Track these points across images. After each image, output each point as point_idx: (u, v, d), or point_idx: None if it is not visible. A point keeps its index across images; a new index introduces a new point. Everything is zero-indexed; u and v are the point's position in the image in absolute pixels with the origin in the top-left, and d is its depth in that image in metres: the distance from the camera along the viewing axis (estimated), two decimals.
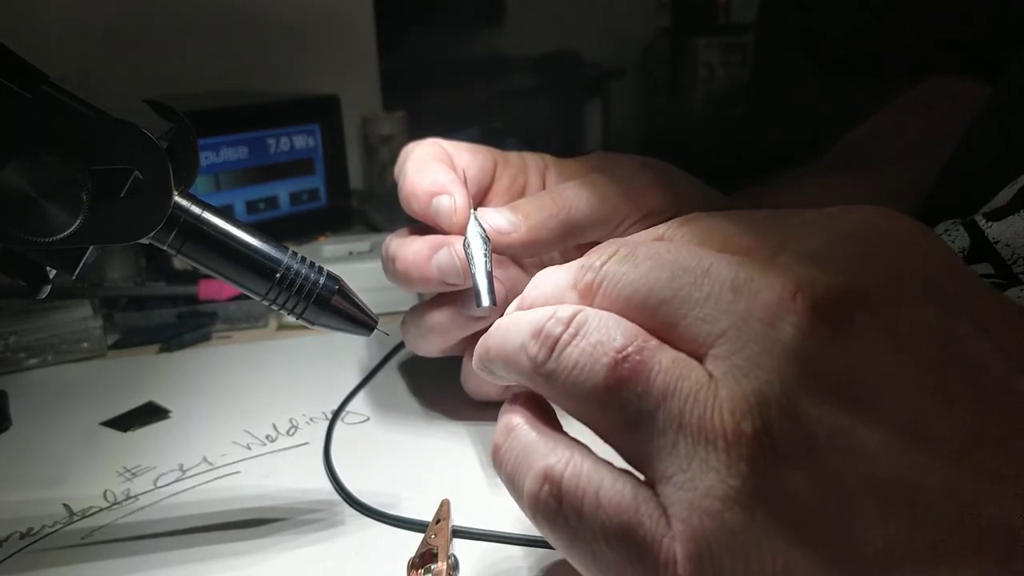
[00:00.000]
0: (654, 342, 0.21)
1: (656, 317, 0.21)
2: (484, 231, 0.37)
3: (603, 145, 2.41)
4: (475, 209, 0.41)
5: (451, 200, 0.38)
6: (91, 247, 0.31)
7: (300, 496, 0.37)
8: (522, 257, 0.41)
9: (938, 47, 0.54)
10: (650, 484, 0.20)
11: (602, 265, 0.23)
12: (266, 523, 0.35)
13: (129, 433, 0.44)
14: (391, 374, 0.49)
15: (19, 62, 0.28)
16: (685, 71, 2.54)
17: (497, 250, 0.37)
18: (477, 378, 0.41)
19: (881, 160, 0.49)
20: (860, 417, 0.18)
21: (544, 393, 0.23)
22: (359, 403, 0.46)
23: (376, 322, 0.36)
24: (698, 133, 2.36)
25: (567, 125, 2.48)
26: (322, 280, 0.34)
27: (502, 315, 0.26)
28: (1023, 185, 0.34)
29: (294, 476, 0.39)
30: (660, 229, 0.25)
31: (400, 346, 0.52)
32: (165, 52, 0.93)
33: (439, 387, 0.45)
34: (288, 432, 0.43)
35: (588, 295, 0.23)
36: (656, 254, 0.22)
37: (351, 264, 0.58)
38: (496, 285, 0.37)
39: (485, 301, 0.35)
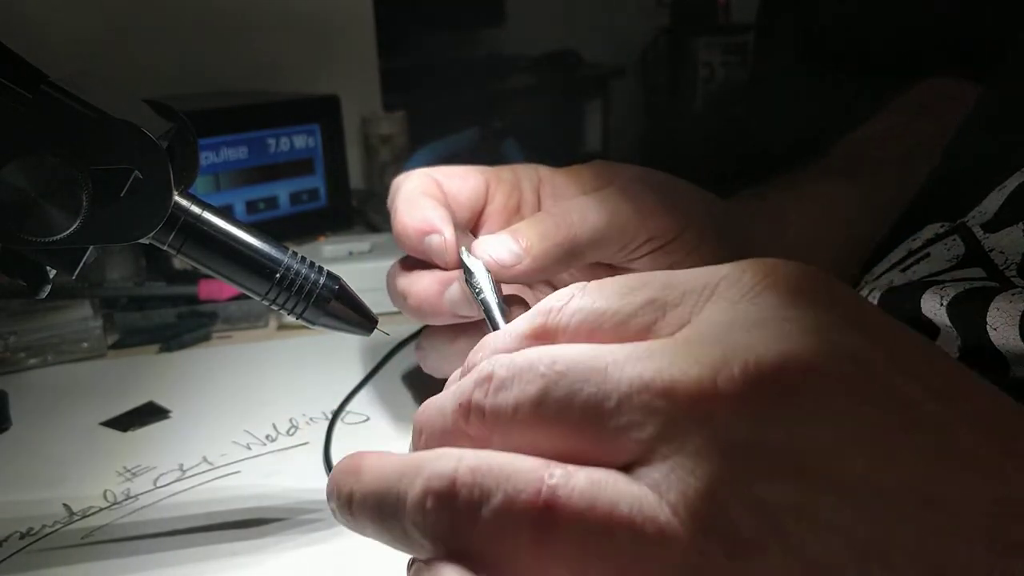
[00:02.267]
0: (559, 470, 0.19)
1: (570, 439, 0.20)
2: (481, 263, 0.37)
3: (603, 145, 2.41)
4: (475, 235, 0.42)
5: (441, 238, 0.38)
6: (91, 247, 0.31)
7: (300, 496, 0.37)
8: (527, 283, 0.41)
9: (937, 48, 0.54)
10: None
11: (484, 396, 0.21)
12: (266, 523, 0.35)
13: (129, 433, 0.44)
14: (391, 374, 0.49)
15: (19, 62, 0.28)
16: (685, 71, 2.55)
17: (502, 280, 0.37)
18: (436, 356, 0.41)
19: (880, 163, 0.48)
20: (818, 487, 0.18)
21: None
22: (359, 403, 0.46)
23: (376, 322, 0.36)
24: (698, 133, 2.37)
25: (567, 125, 2.49)
26: (322, 280, 0.34)
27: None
28: (1012, 191, 0.34)
29: (294, 476, 0.39)
30: (541, 316, 0.23)
31: (400, 346, 0.52)
32: (165, 52, 0.93)
33: (439, 387, 0.45)
34: (288, 432, 0.43)
35: (482, 437, 0.21)
36: (545, 367, 0.20)
37: (351, 264, 0.58)
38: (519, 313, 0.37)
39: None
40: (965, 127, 0.42)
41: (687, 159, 0.48)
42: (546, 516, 0.18)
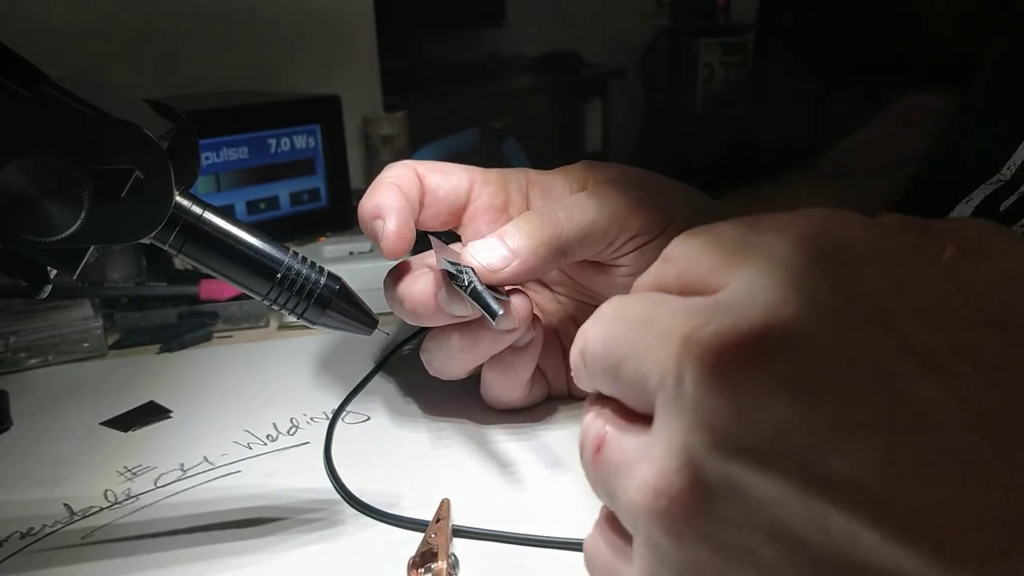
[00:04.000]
0: (610, 428, 0.22)
1: (614, 380, 0.22)
2: (457, 262, 0.38)
3: (603, 145, 2.41)
4: (459, 233, 0.43)
5: (382, 223, 0.39)
6: (92, 247, 0.31)
7: (301, 495, 0.37)
8: (517, 284, 0.41)
9: (923, 60, 0.54)
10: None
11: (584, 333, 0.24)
12: (267, 523, 0.35)
13: (130, 433, 0.44)
14: (391, 374, 0.49)
15: (20, 62, 0.28)
16: (685, 71, 2.55)
17: (492, 284, 0.37)
18: (500, 388, 0.42)
19: (869, 172, 0.49)
20: (755, 466, 0.18)
21: None
22: (359, 403, 0.46)
23: (377, 322, 0.36)
24: (698, 133, 2.36)
25: (567, 125, 2.49)
26: (323, 280, 0.34)
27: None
28: (977, 204, 0.35)
29: (295, 476, 0.39)
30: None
31: (400, 346, 0.52)
32: (165, 52, 0.93)
33: (439, 387, 0.45)
34: (289, 432, 0.43)
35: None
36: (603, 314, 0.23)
37: (351, 264, 0.58)
38: (520, 300, 0.38)
39: (497, 321, 0.36)
40: (936, 142, 0.43)
41: (687, 159, 0.48)
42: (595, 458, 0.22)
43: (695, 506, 0.19)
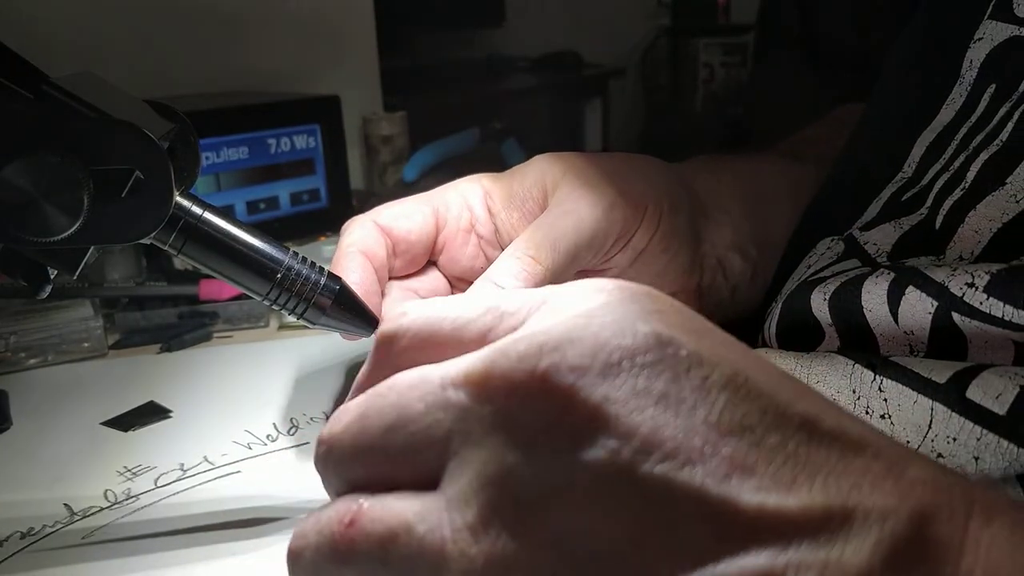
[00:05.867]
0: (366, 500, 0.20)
1: (387, 465, 0.21)
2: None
3: (603, 145, 2.41)
4: (435, 263, 0.42)
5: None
6: (92, 247, 0.31)
7: (300, 496, 0.37)
8: None
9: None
10: None
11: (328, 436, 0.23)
12: (266, 523, 0.35)
13: (130, 433, 0.44)
14: None
15: (20, 62, 0.28)
16: (685, 71, 2.55)
17: None
18: None
19: (818, 161, 0.49)
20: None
21: None
22: None
23: (377, 322, 0.36)
24: (698, 133, 2.36)
25: (567, 125, 2.49)
26: (323, 280, 0.34)
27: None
28: (886, 200, 0.37)
29: (295, 476, 0.39)
30: (382, 333, 0.24)
31: None
32: (166, 52, 0.93)
33: None
34: (289, 432, 0.43)
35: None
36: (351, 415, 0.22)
37: None
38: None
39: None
40: (848, 146, 0.44)
41: (686, 159, 0.48)
42: (344, 540, 0.20)
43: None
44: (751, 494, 0.17)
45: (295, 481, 0.38)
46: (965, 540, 0.16)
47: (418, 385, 0.20)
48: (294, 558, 0.22)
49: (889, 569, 0.16)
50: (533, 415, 0.18)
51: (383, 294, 0.40)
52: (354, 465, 0.21)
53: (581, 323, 0.19)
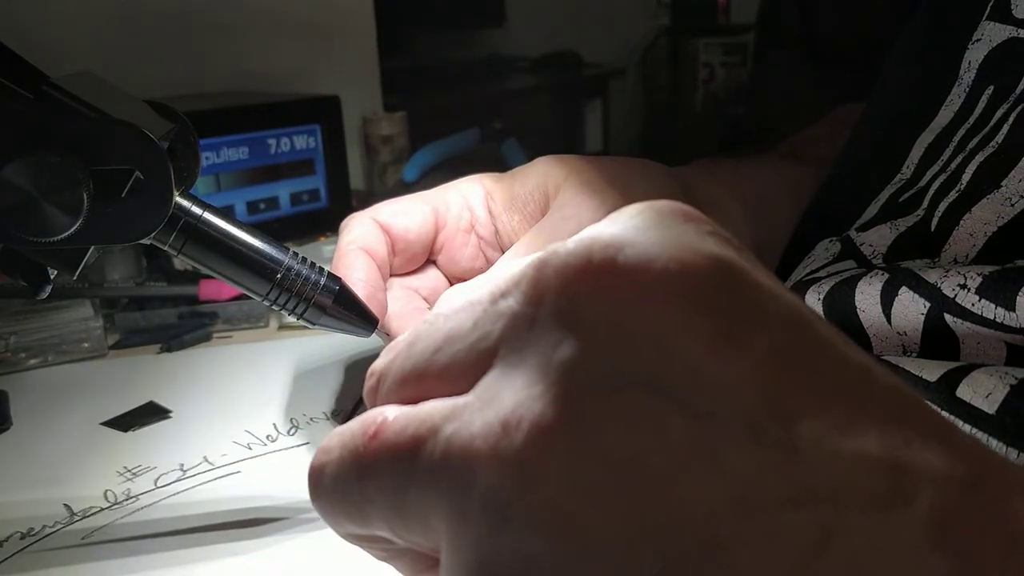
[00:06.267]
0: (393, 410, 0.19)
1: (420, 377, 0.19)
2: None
3: (603, 145, 2.41)
4: (435, 262, 0.42)
5: None
6: (92, 247, 0.31)
7: (300, 496, 0.37)
8: None
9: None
10: None
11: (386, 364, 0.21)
12: (266, 523, 0.35)
13: (130, 433, 0.44)
14: None
15: (20, 62, 0.28)
16: (685, 71, 2.55)
17: None
18: None
19: (817, 161, 0.49)
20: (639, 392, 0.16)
21: None
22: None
23: (377, 322, 0.36)
24: (698, 133, 2.36)
25: (567, 125, 2.49)
26: (323, 281, 0.34)
27: None
28: (884, 201, 0.37)
29: (295, 476, 0.39)
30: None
31: None
32: (166, 52, 0.93)
33: None
34: (289, 432, 0.43)
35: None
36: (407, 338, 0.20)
37: None
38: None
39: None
40: (847, 147, 0.44)
41: (686, 159, 0.48)
42: (368, 452, 0.18)
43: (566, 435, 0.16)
44: (806, 432, 0.15)
45: (295, 481, 0.38)
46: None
47: (468, 305, 0.19)
48: (315, 477, 0.20)
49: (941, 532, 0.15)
50: (589, 306, 0.16)
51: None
52: (401, 392, 0.19)
53: (632, 230, 0.17)
